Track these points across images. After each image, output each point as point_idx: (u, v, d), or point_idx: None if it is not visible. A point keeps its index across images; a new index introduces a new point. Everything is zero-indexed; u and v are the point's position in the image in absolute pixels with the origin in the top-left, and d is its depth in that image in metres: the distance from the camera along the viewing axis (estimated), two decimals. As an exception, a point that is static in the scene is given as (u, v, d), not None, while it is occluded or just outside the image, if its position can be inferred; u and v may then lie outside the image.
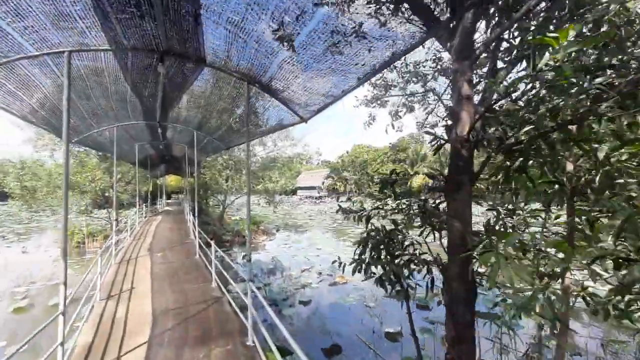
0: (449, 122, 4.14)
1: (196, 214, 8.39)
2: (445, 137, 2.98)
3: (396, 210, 3.27)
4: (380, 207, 3.31)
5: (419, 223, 3.19)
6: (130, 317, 4.52)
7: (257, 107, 4.39)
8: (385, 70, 5.47)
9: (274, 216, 29.64)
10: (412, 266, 3.01)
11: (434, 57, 5.31)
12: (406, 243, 3.28)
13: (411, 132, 55.05)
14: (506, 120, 2.35)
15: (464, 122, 2.40)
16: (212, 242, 6.07)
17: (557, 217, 2.87)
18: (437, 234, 3.07)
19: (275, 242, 16.39)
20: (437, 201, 3.22)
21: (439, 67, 5.29)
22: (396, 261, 2.97)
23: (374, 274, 3.13)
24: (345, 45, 2.99)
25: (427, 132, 4.13)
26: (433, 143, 3.09)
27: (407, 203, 3.23)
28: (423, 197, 2.98)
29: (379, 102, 6.12)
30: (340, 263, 3.59)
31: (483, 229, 2.59)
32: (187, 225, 12.29)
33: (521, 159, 2.22)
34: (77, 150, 19.08)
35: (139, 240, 10.01)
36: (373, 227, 3.32)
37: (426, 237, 3.11)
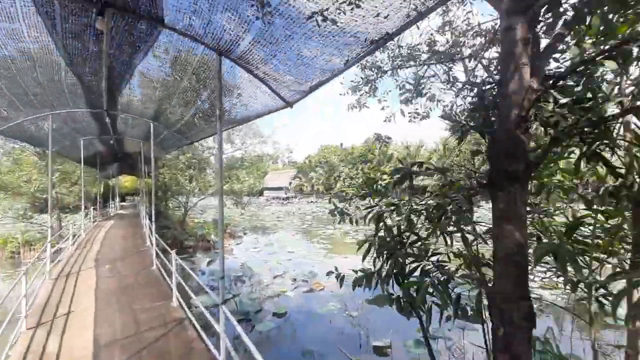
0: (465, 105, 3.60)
1: (153, 218, 7.28)
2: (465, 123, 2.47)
3: (412, 211, 2.66)
4: (396, 204, 2.68)
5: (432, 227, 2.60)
6: (63, 353, 3.51)
7: (230, 88, 3.60)
8: (377, 51, 4.91)
9: (241, 218, 28.31)
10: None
11: (428, 41, 4.85)
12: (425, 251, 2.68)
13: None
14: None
15: (517, 97, 1.85)
16: (173, 252, 5.12)
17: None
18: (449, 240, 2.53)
19: (244, 245, 15.35)
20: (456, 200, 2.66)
21: (433, 50, 4.84)
22: (422, 277, 2.36)
23: (390, 293, 2.50)
24: (338, 13, 2.37)
25: (447, 118, 3.58)
26: (447, 129, 2.56)
27: (426, 202, 2.63)
28: (453, 195, 2.39)
29: (370, 87, 5.55)
30: (339, 276, 2.93)
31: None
32: (142, 230, 10.94)
33: (597, 143, 1.71)
34: (12, 146, 16.61)
35: (84, 250, 8.61)
36: (383, 228, 2.67)
37: (450, 245, 2.54)
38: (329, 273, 3.23)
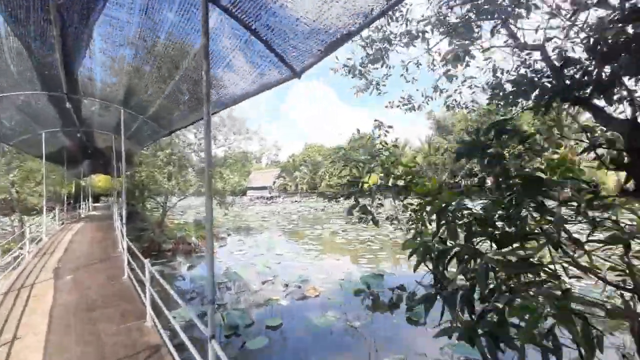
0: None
1: (124, 220, 6.31)
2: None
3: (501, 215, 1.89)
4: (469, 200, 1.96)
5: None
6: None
7: (222, 51, 2.80)
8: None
9: (224, 219, 27.14)
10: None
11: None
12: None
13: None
14: None
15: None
16: (147, 262, 4.24)
17: None
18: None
19: (228, 248, 14.40)
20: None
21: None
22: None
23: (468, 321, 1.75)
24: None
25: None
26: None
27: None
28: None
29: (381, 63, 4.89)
30: (372, 295, 2.18)
31: None
32: (114, 233, 9.84)
33: None
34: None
35: (44, 257, 7.50)
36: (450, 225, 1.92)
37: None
38: (357, 292, 2.48)
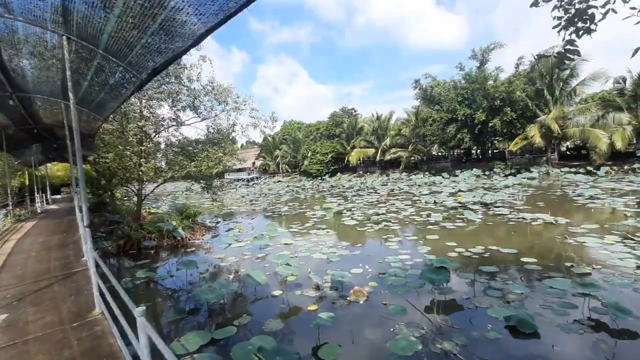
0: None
1: (85, 217, 3.98)
2: None
3: None
4: None
5: None
6: None
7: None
8: None
9: (209, 204, 24.61)
10: None
11: None
12: None
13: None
14: None
15: None
16: (141, 318, 2.07)
17: None
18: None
19: (223, 239, 12.19)
20: None
21: None
22: None
23: None
24: None
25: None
26: None
27: None
28: None
29: None
30: None
31: None
32: (77, 234, 7.39)
33: None
34: None
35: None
36: None
37: None
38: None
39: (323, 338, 4.74)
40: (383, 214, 15.01)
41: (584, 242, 8.58)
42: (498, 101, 31.83)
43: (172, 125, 12.34)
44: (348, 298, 6.06)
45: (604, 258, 7.32)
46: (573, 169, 29.31)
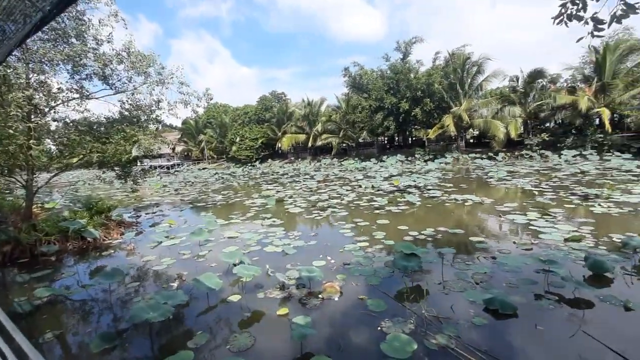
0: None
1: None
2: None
3: None
4: None
5: None
6: None
7: None
8: None
9: (123, 195, 21.18)
10: None
11: None
12: None
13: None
14: None
15: None
16: None
17: None
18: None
19: (149, 236, 10.33)
20: None
21: None
22: None
23: None
24: None
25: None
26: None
27: None
28: None
29: None
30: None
31: None
32: None
33: None
34: None
35: None
36: None
37: None
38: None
39: (305, 347, 4.06)
40: (326, 200, 14.72)
41: (514, 219, 9.55)
42: (419, 92, 34.32)
43: (74, 98, 9.68)
44: (320, 296, 5.45)
45: (536, 233, 8.18)
46: (478, 155, 33.54)
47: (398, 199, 13.71)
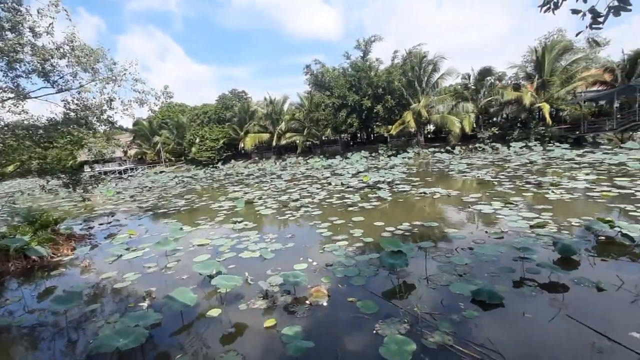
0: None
1: None
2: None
3: None
4: None
5: None
6: None
7: None
8: None
9: (70, 205, 19.22)
10: None
11: None
12: None
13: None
14: None
15: None
16: None
17: None
18: None
19: (105, 251, 9.33)
20: None
21: None
22: None
23: None
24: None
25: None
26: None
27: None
28: None
29: None
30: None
31: None
32: None
33: None
34: None
35: None
36: None
37: None
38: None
39: (300, 361, 3.79)
40: (297, 199, 14.42)
41: (481, 210, 9.99)
42: (380, 89, 35.12)
43: (9, 98, 8.38)
44: (308, 302, 5.19)
45: (503, 221, 8.60)
46: (436, 149, 35.14)
47: (369, 195, 13.80)
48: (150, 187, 27.07)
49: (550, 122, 29.90)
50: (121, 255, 8.53)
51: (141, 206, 17.61)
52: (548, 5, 3.48)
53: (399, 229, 8.71)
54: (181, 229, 10.50)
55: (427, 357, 3.69)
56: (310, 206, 12.81)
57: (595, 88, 33.58)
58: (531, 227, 7.92)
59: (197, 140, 44.23)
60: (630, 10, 2.57)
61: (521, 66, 35.04)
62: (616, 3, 2.56)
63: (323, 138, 43.21)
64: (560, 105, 31.59)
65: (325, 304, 5.12)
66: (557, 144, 28.22)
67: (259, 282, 5.85)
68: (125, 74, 9.50)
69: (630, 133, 26.86)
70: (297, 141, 40.56)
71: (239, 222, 11.22)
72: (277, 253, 7.74)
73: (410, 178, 18.12)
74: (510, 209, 9.68)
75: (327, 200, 13.74)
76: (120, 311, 5.46)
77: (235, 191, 19.31)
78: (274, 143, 41.72)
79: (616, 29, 76.44)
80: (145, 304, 5.39)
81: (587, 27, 2.87)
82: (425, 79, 36.18)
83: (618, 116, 27.49)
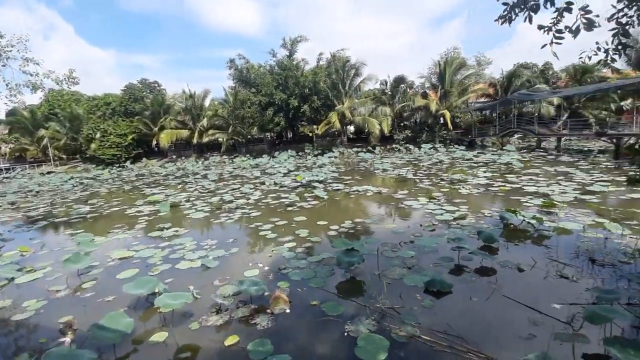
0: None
1: None
2: None
3: None
4: None
5: None
6: None
7: None
8: None
9: None
10: None
11: None
12: None
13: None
14: None
15: None
16: None
17: None
18: None
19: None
20: None
21: None
22: None
23: None
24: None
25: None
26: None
27: None
28: None
29: None
30: None
31: None
32: None
33: None
34: None
35: None
36: None
37: None
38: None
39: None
40: (231, 200, 13.59)
41: (411, 205, 10.93)
42: (307, 89, 35.59)
43: None
44: (269, 310, 4.88)
45: (432, 215, 9.55)
46: (359, 149, 37.30)
47: (306, 194, 13.84)
48: (38, 192, 22.19)
49: (451, 127, 34.62)
50: (13, 278, 6.74)
51: (29, 215, 14.26)
52: (504, 19, 3.95)
53: (343, 227, 8.93)
54: (92, 241, 8.84)
55: (401, 351, 3.82)
56: (247, 207, 12.20)
57: (482, 99, 40.23)
58: (455, 219, 8.99)
59: (98, 135, 38.02)
60: (593, 29, 3.09)
61: (427, 77, 39.66)
62: (582, 25, 3.05)
63: (249, 136, 41.77)
64: (457, 113, 36.81)
65: (288, 310, 4.89)
66: (456, 146, 32.77)
67: (210, 294, 5.27)
68: (11, 51, 7.52)
69: (508, 138, 32.78)
70: (221, 139, 38.35)
71: (167, 228, 10.00)
72: (221, 260, 7.12)
73: (342, 177, 18.82)
74: (434, 204, 10.82)
75: (264, 201, 13.29)
76: (31, 352, 4.26)
77: (154, 193, 17.20)
78: (194, 140, 38.54)
79: (498, 51, 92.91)
80: (66, 339, 4.30)
81: (549, 43, 3.34)
82: (348, 82, 38.05)
83: (498, 124, 33.37)
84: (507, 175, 15.48)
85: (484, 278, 5.56)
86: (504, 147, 28.83)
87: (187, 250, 7.93)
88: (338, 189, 14.77)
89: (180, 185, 20.12)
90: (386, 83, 39.35)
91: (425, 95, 38.05)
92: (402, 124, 41.00)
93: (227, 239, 8.76)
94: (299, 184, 16.72)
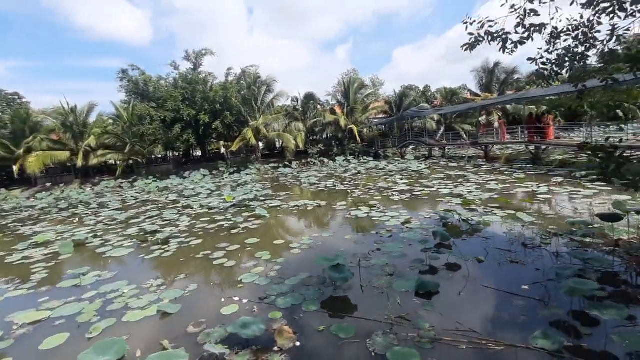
0: None
1: None
2: None
3: None
4: None
5: None
6: None
7: None
8: None
9: None
10: None
11: None
12: None
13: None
14: None
15: None
16: None
17: None
18: None
19: None
20: None
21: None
22: None
23: None
24: None
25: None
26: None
27: None
28: None
29: None
30: None
31: None
32: None
33: None
34: None
35: None
36: None
37: None
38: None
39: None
40: (157, 230, 11.72)
41: (357, 215, 11.41)
42: (218, 105, 33.93)
43: None
44: (276, 348, 4.34)
45: (381, 222, 10.16)
46: (275, 165, 37.21)
47: (244, 214, 13.01)
48: None
49: (360, 141, 37.86)
50: None
51: None
52: (467, 46, 4.62)
53: (304, 244, 8.69)
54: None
55: (434, 357, 3.90)
56: (181, 236, 10.70)
57: (381, 116, 45.41)
58: (403, 223, 9.78)
59: None
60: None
61: (333, 94, 42.70)
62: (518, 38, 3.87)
63: (152, 156, 37.05)
64: (361, 128, 40.59)
65: (298, 343, 4.45)
66: (365, 157, 35.90)
67: (191, 346, 4.38)
68: None
69: (405, 149, 37.64)
70: (115, 160, 32.93)
71: (84, 274, 7.95)
72: (182, 302, 6.03)
73: (274, 193, 18.36)
74: (376, 211, 11.55)
75: (198, 226, 11.90)
76: None
77: (37, 233, 13.50)
78: (78, 163, 32.00)
79: (388, 72, 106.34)
80: None
81: (499, 50, 4.12)
82: (260, 98, 37.86)
83: (397, 137, 38.11)
84: (421, 181, 17.71)
85: (457, 273, 6.18)
86: (404, 157, 32.88)
87: (128, 297, 6.44)
88: (276, 206, 14.36)
89: (72, 219, 16.35)
90: (297, 100, 40.70)
91: (333, 112, 40.72)
92: (314, 139, 42.80)
93: (176, 275, 7.49)
94: (230, 204, 15.59)
